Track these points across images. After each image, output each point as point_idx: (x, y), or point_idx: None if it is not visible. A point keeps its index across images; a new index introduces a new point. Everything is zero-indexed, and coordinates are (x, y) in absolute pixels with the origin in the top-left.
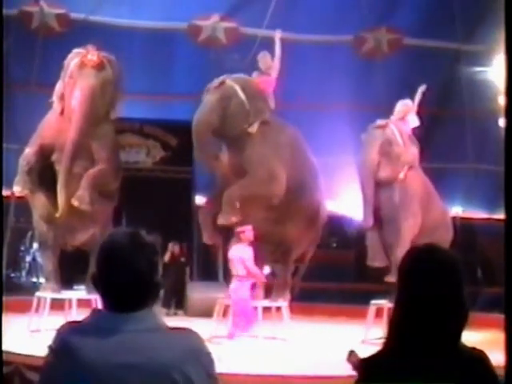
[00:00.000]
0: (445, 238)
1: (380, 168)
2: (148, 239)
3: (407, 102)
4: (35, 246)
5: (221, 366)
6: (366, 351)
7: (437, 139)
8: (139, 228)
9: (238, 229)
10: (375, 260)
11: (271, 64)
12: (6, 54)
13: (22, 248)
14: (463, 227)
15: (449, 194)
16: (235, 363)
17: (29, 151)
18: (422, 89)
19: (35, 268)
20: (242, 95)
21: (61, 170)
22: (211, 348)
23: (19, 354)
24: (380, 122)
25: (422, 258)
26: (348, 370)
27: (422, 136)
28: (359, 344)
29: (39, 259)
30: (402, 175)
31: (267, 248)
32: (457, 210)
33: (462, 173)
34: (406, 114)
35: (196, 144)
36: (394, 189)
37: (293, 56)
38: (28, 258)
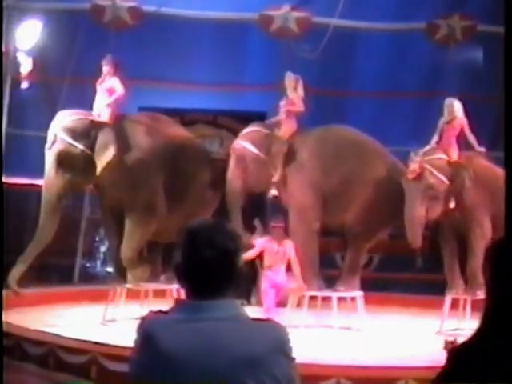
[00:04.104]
0: None
1: (429, 211)
2: (231, 226)
3: (455, 102)
4: None
5: (296, 357)
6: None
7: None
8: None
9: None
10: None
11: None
12: (78, 48)
13: (97, 238)
14: None
15: None
16: (310, 353)
17: None
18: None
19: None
20: (254, 150)
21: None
22: None
23: (96, 343)
24: (413, 165)
25: None
26: (423, 361)
27: (493, 125)
28: (434, 335)
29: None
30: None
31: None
32: None
33: None
34: (455, 118)
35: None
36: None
37: (365, 45)
38: (103, 248)
